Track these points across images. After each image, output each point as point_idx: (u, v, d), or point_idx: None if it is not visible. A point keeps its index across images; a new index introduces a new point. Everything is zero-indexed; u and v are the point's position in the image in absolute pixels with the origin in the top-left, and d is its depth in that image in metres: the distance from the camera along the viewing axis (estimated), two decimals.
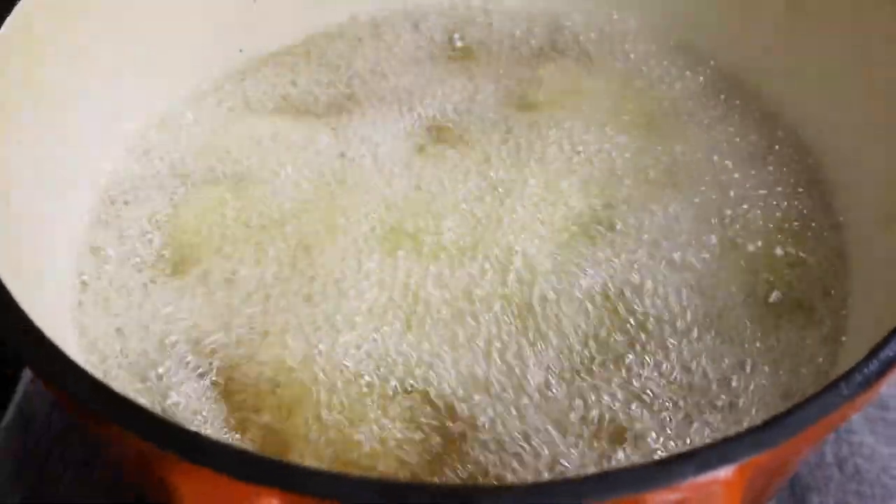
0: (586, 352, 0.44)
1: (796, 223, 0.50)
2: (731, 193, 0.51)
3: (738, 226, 0.50)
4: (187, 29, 0.56)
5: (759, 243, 0.49)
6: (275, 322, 0.46)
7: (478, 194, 0.51)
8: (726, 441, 0.30)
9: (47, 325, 0.35)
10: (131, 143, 0.54)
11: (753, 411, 0.42)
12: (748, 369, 0.44)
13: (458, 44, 0.61)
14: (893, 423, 0.54)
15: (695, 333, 0.45)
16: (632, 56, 0.60)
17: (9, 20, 0.45)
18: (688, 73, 0.58)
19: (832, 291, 0.47)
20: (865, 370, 0.32)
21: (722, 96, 0.57)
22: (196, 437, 0.31)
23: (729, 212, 0.50)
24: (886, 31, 0.47)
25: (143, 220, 0.51)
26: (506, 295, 0.46)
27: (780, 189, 0.52)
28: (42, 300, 0.41)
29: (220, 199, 0.51)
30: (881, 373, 0.32)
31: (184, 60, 0.57)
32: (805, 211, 0.51)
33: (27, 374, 0.55)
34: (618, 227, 0.49)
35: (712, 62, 0.59)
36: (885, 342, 0.33)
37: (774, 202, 0.51)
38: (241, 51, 0.59)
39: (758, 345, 0.45)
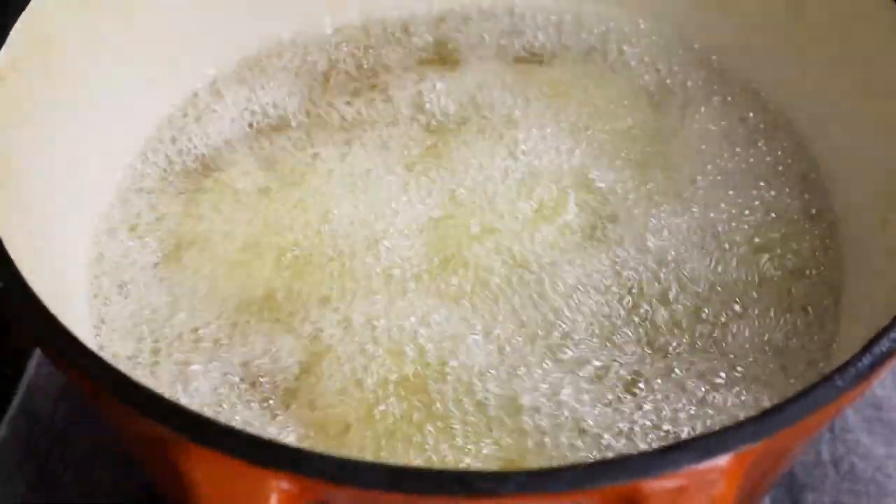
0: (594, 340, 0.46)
1: (793, 222, 0.51)
2: (729, 192, 0.52)
3: (734, 224, 0.50)
4: (203, 18, 0.57)
5: (755, 242, 0.50)
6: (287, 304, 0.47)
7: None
8: (725, 430, 0.31)
9: (62, 313, 0.36)
10: (149, 134, 0.55)
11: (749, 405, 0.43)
12: (743, 364, 0.45)
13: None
14: (889, 423, 0.55)
15: (693, 330, 0.46)
16: (631, 58, 0.60)
17: (27, 11, 0.46)
18: (687, 73, 0.59)
19: (828, 288, 0.48)
20: (859, 364, 0.33)
21: (721, 96, 0.57)
22: (207, 420, 0.32)
23: (725, 211, 0.51)
24: (886, 34, 0.48)
25: (156, 211, 0.51)
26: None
27: (777, 188, 0.52)
28: (57, 288, 0.42)
29: (232, 193, 0.52)
30: (874, 366, 0.33)
31: (202, 50, 0.57)
32: (802, 210, 0.51)
33: (29, 372, 0.56)
34: (617, 224, 0.50)
35: (712, 63, 0.59)
36: (878, 337, 0.33)
37: (772, 201, 0.52)
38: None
39: (752, 340, 0.46)
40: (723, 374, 0.44)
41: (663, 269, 0.48)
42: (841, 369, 0.32)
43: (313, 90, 0.58)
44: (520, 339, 0.45)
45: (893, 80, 0.48)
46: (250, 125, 0.56)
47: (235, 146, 0.55)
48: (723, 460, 0.30)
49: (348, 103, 0.57)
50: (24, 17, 0.46)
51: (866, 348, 0.33)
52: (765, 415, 0.31)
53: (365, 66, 0.60)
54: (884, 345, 0.33)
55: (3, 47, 0.44)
